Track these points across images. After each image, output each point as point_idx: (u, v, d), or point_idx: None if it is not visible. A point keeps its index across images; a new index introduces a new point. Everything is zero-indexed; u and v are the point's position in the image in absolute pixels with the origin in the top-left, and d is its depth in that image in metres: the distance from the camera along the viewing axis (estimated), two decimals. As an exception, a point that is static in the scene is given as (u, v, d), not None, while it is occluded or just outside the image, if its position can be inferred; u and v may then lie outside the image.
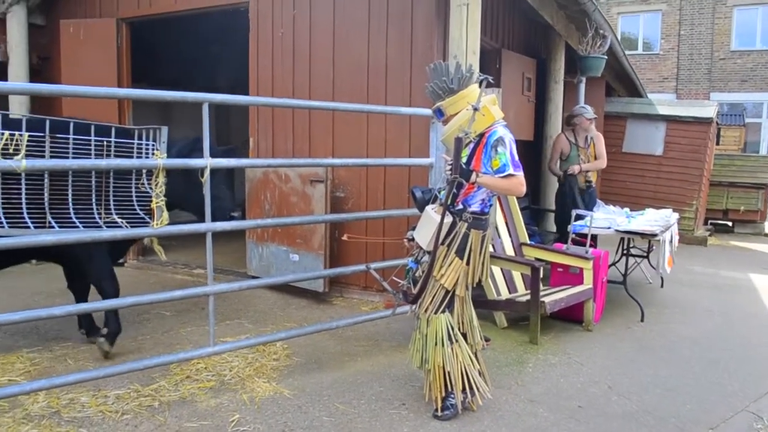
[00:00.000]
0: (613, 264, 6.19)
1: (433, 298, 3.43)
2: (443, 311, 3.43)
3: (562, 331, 5.13)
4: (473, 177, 3.33)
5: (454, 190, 3.33)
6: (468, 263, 3.42)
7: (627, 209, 6.54)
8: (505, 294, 5.29)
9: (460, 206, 3.43)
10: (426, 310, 3.44)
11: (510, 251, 5.52)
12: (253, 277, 6.11)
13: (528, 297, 4.96)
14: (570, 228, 5.66)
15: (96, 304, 3.56)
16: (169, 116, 10.19)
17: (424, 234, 3.40)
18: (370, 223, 5.67)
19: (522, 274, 5.50)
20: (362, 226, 5.70)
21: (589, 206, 6.54)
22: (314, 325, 4.34)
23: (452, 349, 3.40)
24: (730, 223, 12.15)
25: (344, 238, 4.37)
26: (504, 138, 3.35)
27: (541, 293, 4.84)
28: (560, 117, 8.05)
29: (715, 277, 7.69)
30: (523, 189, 3.38)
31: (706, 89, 21.46)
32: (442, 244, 3.38)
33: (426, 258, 3.46)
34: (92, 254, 4.05)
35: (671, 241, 6.12)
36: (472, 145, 3.42)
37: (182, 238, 6.65)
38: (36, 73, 7.42)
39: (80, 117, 3.77)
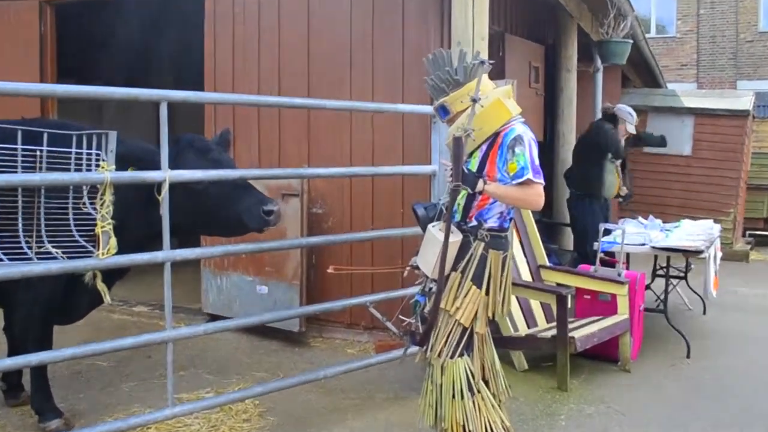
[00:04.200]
0: (647, 287, 6.13)
1: (448, 338, 3.28)
2: (461, 354, 3.29)
3: (595, 372, 5.06)
4: (480, 185, 3.19)
5: (461, 201, 3.24)
6: (488, 292, 3.30)
7: (659, 221, 6.53)
8: (523, 329, 5.20)
9: (474, 222, 3.31)
10: (439, 354, 3.29)
11: (527, 275, 5.43)
12: (212, 316, 5.94)
13: (552, 332, 4.88)
14: (597, 245, 5.58)
15: (24, 358, 3.35)
16: (100, 117, 10.04)
17: (426, 258, 3.27)
18: (355, 246, 5.54)
19: (542, 303, 5.42)
20: (346, 249, 5.58)
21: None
22: (296, 377, 4.20)
23: (474, 401, 3.27)
24: (773, 234, 12.27)
25: (330, 270, 4.17)
26: (523, 137, 3.23)
27: (569, 327, 4.75)
28: (574, 111, 8.02)
29: (766, 299, 7.70)
30: (542, 202, 3.29)
31: (732, 77, 21.81)
32: (455, 269, 3.26)
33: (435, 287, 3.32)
34: (20, 300, 3.77)
35: (715, 259, 6.11)
36: (485, 147, 3.31)
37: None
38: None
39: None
